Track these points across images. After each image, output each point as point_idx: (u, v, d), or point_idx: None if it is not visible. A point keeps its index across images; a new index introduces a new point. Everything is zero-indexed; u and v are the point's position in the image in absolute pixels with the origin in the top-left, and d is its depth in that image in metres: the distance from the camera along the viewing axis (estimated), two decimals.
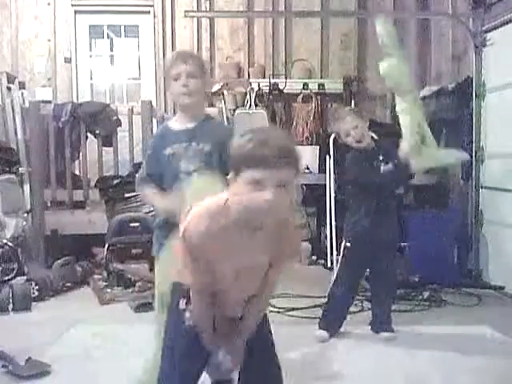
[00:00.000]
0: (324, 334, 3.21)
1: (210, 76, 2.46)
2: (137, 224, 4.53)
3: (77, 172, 5.45)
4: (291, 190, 1.49)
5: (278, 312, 3.67)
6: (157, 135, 2.55)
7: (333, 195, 4.84)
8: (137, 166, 5.07)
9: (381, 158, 3.15)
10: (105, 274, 4.37)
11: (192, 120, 2.38)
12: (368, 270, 3.41)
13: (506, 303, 4.02)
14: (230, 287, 1.65)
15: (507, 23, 4.26)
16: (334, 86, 5.98)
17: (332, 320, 3.26)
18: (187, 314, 1.70)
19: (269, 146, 1.43)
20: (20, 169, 4.98)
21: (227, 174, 1.58)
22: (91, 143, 5.22)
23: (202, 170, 2.31)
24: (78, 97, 6.09)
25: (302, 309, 3.72)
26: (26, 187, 4.98)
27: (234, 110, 5.86)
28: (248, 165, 1.44)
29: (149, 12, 6.10)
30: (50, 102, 5.61)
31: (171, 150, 2.34)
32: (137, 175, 2.57)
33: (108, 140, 5.17)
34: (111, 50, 6.39)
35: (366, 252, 3.18)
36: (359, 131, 3.16)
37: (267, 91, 5.89)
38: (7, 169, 4.86)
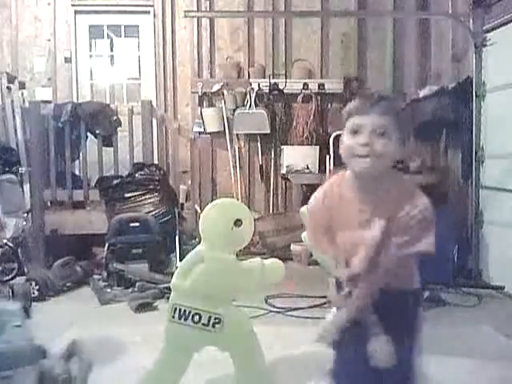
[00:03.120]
0: None
1: None
2: (137, 224, 4.53)
3: (77, 172, 5.45)
4: (392, 142, 1.61)
5: (278, 312, 3.67)
6: None
7: None
8: (137, 166, 5.10)
9: None
10: (105, 273, 4.37)
11: None
12: None
13: (505, 303, 4.02)
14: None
15: (507, 23, 4.25)
16: (333, 86, 5.98)
17: None
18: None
19: (367, 97, 1.67)
20: (20, 169, 4.99)
21: None
22: (91, 143, 5.22)
23: None
24: (78, 97, 6.09)
25: (301, 309, 3.72)
26: (26, 187, 4.98)
27: (234, 110, 5.87)
28: (349, 115, 1.67)
29: (149, 12, 6.10)
30: (50, 102, 5.61)
31: None
32: None
33: (108, 140, 5.17)
34: (111, 50, 6.39)
35: None
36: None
37: (267, 91, 5.90)
38: (7, 169, 4.86)
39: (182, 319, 2.27)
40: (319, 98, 5.97)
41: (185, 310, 2.27)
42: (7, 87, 5.35)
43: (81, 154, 5.18)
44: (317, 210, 1.77)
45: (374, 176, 1.64)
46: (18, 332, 1.61)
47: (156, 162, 5.40)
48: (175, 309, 2.28)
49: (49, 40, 6.04)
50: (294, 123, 5.96)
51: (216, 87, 5.91)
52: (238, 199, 5.65)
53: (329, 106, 6.05)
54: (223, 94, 5.90)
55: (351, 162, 1.65)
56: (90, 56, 6.31)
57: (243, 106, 5.86)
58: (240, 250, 2.34)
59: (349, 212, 1.68)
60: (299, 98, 5.94)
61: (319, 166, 5.47)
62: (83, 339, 2.72)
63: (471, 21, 4.68)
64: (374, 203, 1.65)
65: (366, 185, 1.66)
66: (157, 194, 4.88)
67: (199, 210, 5.32)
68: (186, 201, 5.64)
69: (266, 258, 2.44)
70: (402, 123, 1.66)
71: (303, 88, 5.93)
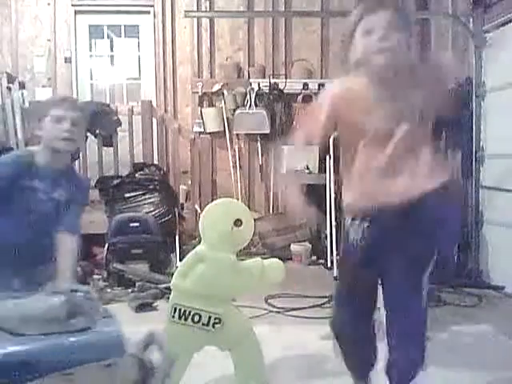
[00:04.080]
0: None
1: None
2: (137, 224, 4.53)
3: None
4: (406, 36, 1.66)
5: (278, 312, 3.67)
6: (19, 160, 2.47)
7: (333, 195, 4.84)
8: (137, 166, 5.10)
9: None
10: (105, 273, 4.37)
11: (59, 164, 2.45)
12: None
13: (506, 303, 4.02)
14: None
15: (507, 23, 4.26)
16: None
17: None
18: (352, 231, 1.80)
19: None
20: None
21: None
22: (91, 143, 5.22)
23: (56, 217, 2.43)
24: (78, 97, 6.09)
25: (301, 309, 3.71)
26: None
27: (234, 110, 5.86)
28: (359, 17, 1.74)
29: (149, 12, 6.10)
30: None
31: (32, 183, 2.37)
32: None
33: (108, 140, 5.17)
34: (111, 49, 6.39)
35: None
36: None
37: (267, 91, 5.89)
38: None
39: (182, 319, 2.27)
40: None
41: (185, 310, 2.27)
42: (7, 87, 5.35)
43: (81, 154, 5.18)
44: (328, 100, 1.81)
45: (393, 71, 1.68)
46: (108, 323, 1.65)
47: (156, 162, 5.40)
48: (175, 309, 2.28)
49: (49, 40, 6.03)
50: (294, 123, 5.95)
51: (216, 87, 5.91)
52: (237, 199, 5.64)
53: None
54: (223, 94, 5.90)
55: (369, 60, 1.70)
56: (90, 56, 6.31)
57: (243, 105, 5.86)
58: (240, 250, 2.34)
59: (365, 108, 1.72)
60: (299, 98, 5.94)
61: (319, 166, 5.46)
62: None
63: (471, 21, 4.68)
64: (393, 98, 1.69)
65: (382, 82, 1.70)
66: (157, 193, 4.88)
67: (199, 210, 5.32)
68: (186, 201, 5.64)
69: (265, 258, 2.44)
70: (409, 17, 1.73)
71: (303, 88, 5.92)
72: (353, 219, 1.81)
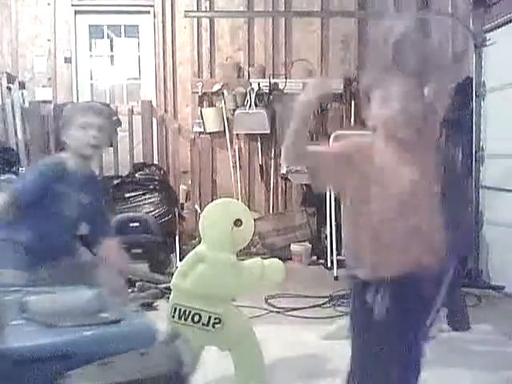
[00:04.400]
0: None
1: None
2: (137, 224, 4.54)
3: None
4: (420, 101, 1.64)
5: (278, 312, 3.67)
6: (53, 168, 2.51)
7: (333, 195, 4.84)
8: (137, 166, 5.10)
9: None
10: None
11: (87, 169, 2.56)
12: None
13: (505, 303, 4.02)
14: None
15: (507, 23, 4.26)
16: (333, 85, 5.97)
17: None
18: (376, 308, 1.63)
19: (382, 67, 1.68)
20: (20, 169, 4.99)
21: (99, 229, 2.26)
22: None
23: (80, 220, 2.56)
24: (78, 97, 6.09)
25: (301, 309, 3.72)
26: None
27: (234, 110, 5.86)
28: (370, 88, 1.69)
29: (149, 12, 6.10)
30: (50, 102, 5.61)
31: (65, 189, 2.44)
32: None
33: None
34: (111, 49, 6.39)
35: None
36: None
37: (267, 91, 5.89)
38: (7, 169, 4.86)
39: (182, 319, 2.27)
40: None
41: (185, 310, 2.27)
42: (7, 87, 5.36)
43: None
44: (350, 148, 1.73)
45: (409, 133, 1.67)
46: (138, 315, 1.70)
47: (156, 162, 5.40)
48: (175, 309, 2.28)
49: (49, 40, 6.03)
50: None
51: (216, 87, 5.91)
52: (237, 199, 5.64)
53: (329, 105, 6.04)
54: (223, 94, 5.90)
55: (389, 128, 1.67)
56: (90, 56, 6.31)
57: (243, 105, 5.86)
58: (240, 250, 2.34)
59: (388, 161, 1.68)
60: None
61: None
62: None
63: (471, 21, 4.68)
64: (403, 166, 1.66)
65: (398, 150, 1.68)
66: (157, 194, 4.88)
67: (199, 210, 5.32)
68: (186, 201, 5.64)
69: (265, 258, 2.44)
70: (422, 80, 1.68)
71: (303, 88, 5.91)
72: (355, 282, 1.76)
